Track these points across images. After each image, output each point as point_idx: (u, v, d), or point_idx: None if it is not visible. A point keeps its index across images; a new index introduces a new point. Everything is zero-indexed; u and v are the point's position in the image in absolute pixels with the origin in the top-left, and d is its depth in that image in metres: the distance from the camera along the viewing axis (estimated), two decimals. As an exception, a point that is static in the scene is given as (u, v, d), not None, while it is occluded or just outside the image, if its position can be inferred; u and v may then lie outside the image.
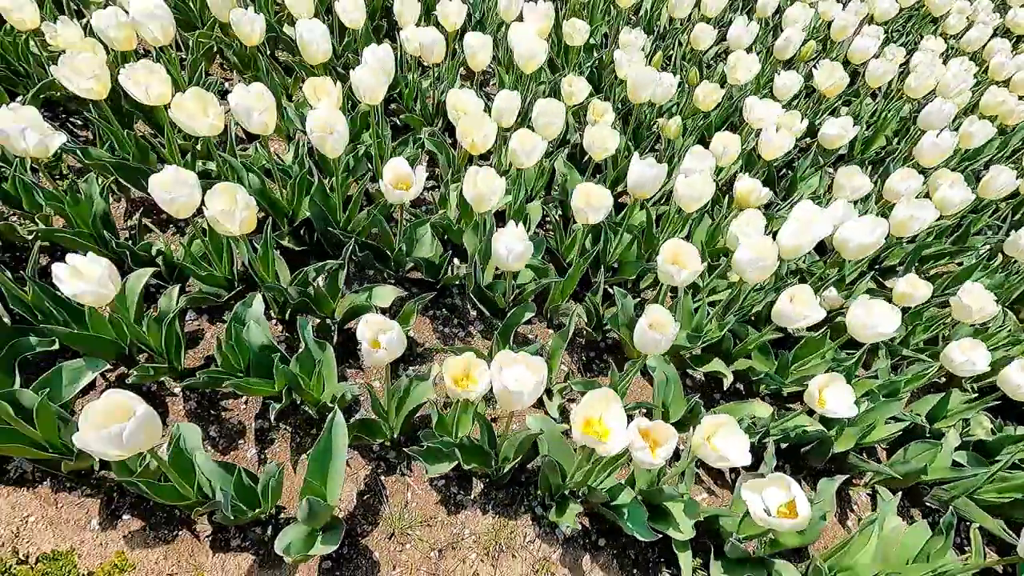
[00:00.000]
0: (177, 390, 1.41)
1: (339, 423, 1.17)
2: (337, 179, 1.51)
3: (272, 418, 1.30)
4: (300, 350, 1.30)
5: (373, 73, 1.42)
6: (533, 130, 1.45)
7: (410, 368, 1.54)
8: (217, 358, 1.26)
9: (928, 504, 1.53)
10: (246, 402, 1.43)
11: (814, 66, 2.10)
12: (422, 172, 1.30)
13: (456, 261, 1.69)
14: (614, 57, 1.82)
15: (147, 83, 1.27)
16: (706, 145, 1.60)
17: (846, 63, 2.36)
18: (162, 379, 1.39)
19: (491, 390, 1.00)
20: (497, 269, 1.54)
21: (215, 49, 2.00)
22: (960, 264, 2.15)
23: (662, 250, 1.26)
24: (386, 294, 1.48)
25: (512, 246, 1.22)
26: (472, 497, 1.40)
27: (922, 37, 2.74)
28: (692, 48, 2.16)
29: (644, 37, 1.95)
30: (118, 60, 1.63)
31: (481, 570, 1.30)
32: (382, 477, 1.38)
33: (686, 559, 1.23)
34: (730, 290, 1.58)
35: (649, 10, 2.60)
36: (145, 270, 1.36)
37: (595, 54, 2.31)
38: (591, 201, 1.33)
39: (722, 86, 1.88)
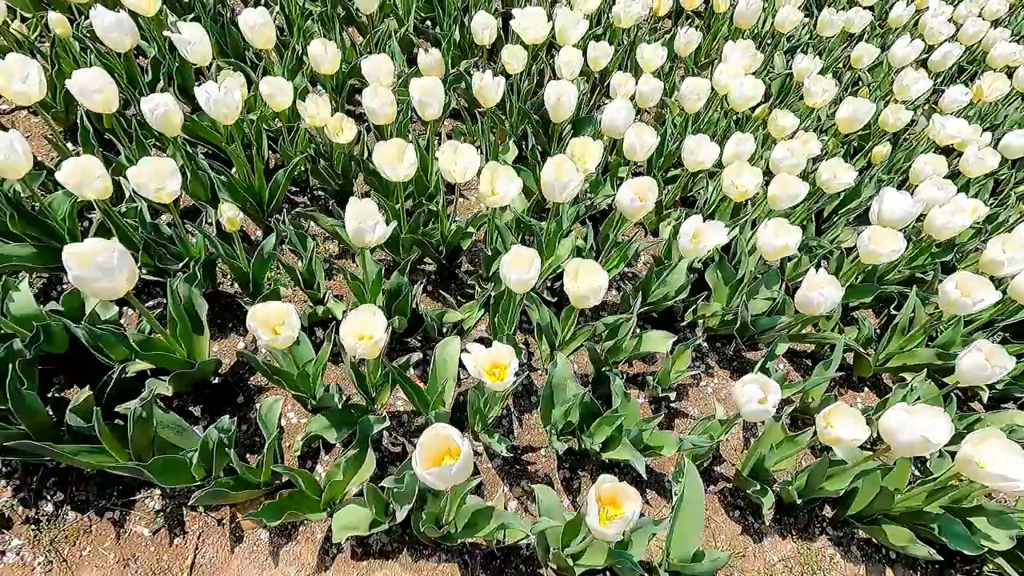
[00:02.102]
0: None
1: (692, 470, 1.25)
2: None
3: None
4: (616, 403, 1.38)
5: (639, 132, 1.48)
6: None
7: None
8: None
9: None
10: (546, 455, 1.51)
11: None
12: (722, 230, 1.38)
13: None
14: (805, 85, 1.89)
15: (463, 164, 1.34)
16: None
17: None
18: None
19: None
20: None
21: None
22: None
23: (956, 283, 1.35)
24: (660, 340, 1.55)
25: (828, 294, 1.31)
26: (768, 524, 1.49)
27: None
28: (851, 67, 2.24)
29: (817, 62, 2.03)
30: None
31: (804, 592, 1.40)
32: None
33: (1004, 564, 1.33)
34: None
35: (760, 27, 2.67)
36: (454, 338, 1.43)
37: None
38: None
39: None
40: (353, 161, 1.71)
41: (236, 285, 1.58)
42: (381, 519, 1.19)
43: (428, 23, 2.44)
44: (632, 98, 1.80)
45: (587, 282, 1.21)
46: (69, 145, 1.80)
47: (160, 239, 1.43)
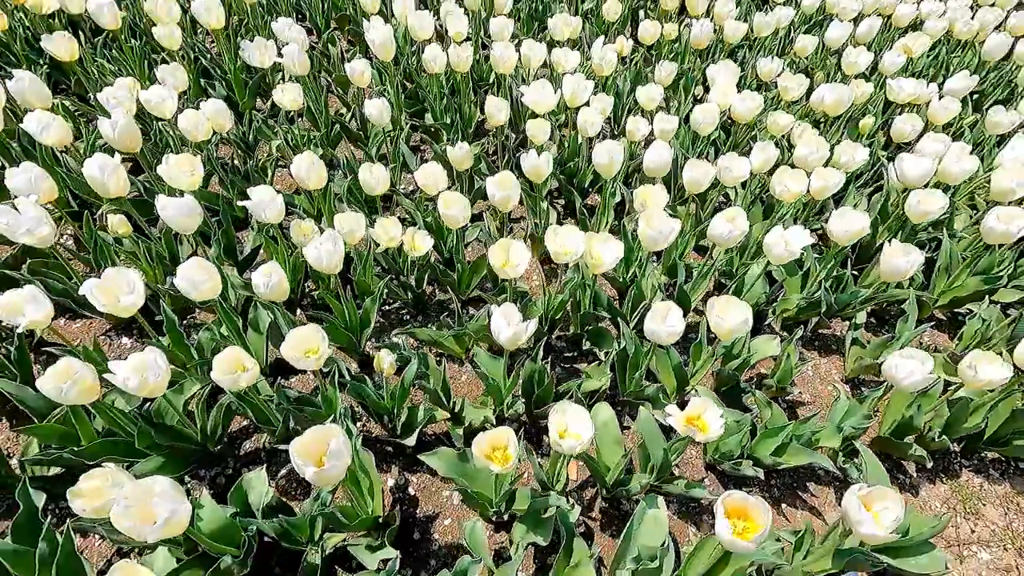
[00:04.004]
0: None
1: (867, 452, 1.36)
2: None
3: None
4: (766, 416, 1.47)
5: (694, 167, 1.62)
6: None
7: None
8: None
9: None
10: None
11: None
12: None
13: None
14: (780, 83, 2.12)
15: (570, 246, 1.41)
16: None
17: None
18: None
19: None
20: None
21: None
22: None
23: (997, 216, 1.56)
24: (767, 344, 1.67)
25: (914, 259, 1.47)
26: (914, 475, 1.62)
27: None
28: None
29: (778, 62, 2.28)
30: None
31: (976, 524, 1.53)
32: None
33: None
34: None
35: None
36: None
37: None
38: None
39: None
40: (429, 269, 1.74)
41: (370, 421, 1.55)
42: (628, 602, 1.21)
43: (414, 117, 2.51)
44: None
45: (733, 317, 1.30)
46: (124, 339, 1.72)
47: (290, 404, 1.39)
